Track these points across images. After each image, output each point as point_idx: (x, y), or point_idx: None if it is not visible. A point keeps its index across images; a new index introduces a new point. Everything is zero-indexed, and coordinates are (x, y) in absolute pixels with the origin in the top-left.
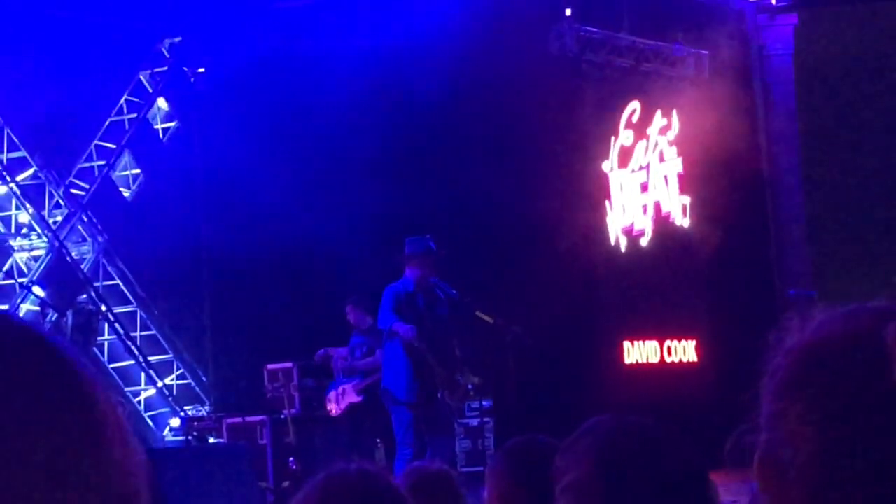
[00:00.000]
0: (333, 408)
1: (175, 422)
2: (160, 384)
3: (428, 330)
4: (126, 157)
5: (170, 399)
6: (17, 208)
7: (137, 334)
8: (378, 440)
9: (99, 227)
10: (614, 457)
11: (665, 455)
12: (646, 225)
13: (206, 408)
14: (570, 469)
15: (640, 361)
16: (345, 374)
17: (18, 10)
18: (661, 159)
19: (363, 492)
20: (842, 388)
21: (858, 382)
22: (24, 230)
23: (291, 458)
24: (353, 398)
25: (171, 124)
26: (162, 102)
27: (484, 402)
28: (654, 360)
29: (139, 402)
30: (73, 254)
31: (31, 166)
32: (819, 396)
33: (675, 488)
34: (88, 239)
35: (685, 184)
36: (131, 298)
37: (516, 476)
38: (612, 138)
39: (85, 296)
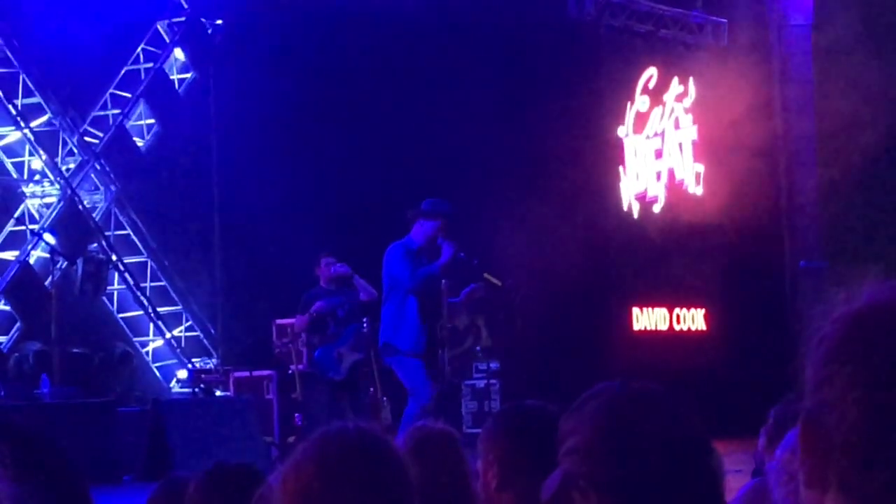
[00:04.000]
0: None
1: (182, 373)
2: (168, 335)
3: (432, 289)
4: (141, 107)
5: (178, 350)
6: (31, 154)
7: (147, 285)
8: (384, 398)
9: (112, 175)
10: (618, 421)
11: (670, 422)
12: (659, 192)
13: (214, 360)
14: (574, 432)
15: (648, 328)
16: (332, 337)
17: None
18: (677, 126)
19: (361, 451)
20: (891, 354)
21: None
22: (37, 177)
23: (297, 414)
24: (355, 356)
25: (187, 75)
26: (179, 53)
27: (491, 364)
28: (663, 327)
29: (147, 353)
30: (84, 202)
31: (46, 113)
32: (868, 361)
33: (679, 455)
34: (101, 188)
35: (699, 152)
36: (142, 249)
37: (510, 441)
38: (628, 104)
39: (95, 244)
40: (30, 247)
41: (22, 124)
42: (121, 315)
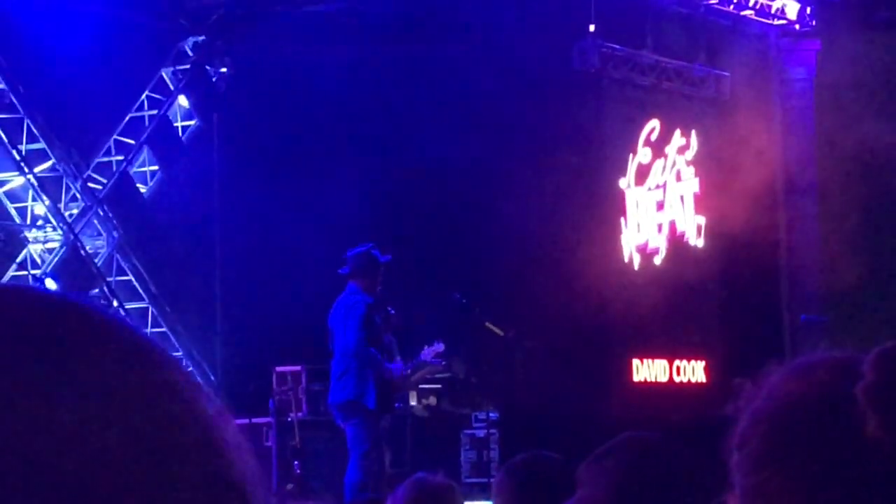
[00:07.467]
0: None
1: None
2: None
3: (385, 344)
4: (144, 154)
5: None
6: (34, 200)
7: (148, 331)
8: (385, 447)
9: (114, 222)
10: (639, 480)
11: (687, 481)
12: (660, 244)
13: None
14: (591, 484)
15: (648, 380)
16: None
17: (44, 3)
18: (678, 179)
19: None
20: (820, 453)
21: (835, 444)
22: (40, 222)
23: (296, 462)
24: None
25: (191, 123)
26: (183, 100)
27: (491, 414)
28: (663, 379)
29: None
30: (87, 248)
31: (50, 158)
32: (799, 464)
33: None
34: (103, 233)
35: (701, 204)
36: (143, 295)
37: (521, 492)
38: (630, 155)
39: (97, 290)
40: None
41: (25, 169)
42: None
